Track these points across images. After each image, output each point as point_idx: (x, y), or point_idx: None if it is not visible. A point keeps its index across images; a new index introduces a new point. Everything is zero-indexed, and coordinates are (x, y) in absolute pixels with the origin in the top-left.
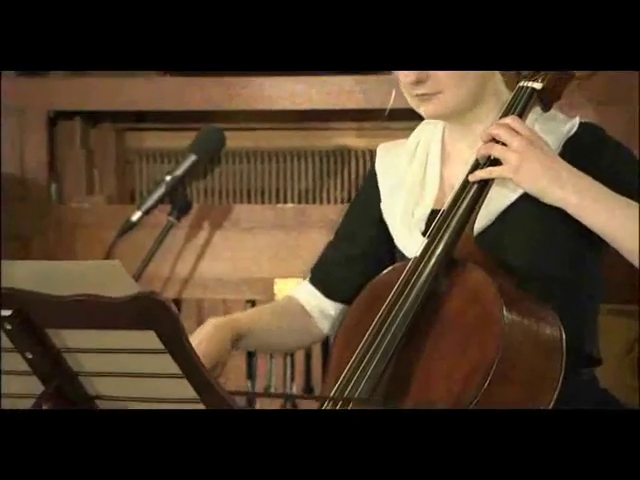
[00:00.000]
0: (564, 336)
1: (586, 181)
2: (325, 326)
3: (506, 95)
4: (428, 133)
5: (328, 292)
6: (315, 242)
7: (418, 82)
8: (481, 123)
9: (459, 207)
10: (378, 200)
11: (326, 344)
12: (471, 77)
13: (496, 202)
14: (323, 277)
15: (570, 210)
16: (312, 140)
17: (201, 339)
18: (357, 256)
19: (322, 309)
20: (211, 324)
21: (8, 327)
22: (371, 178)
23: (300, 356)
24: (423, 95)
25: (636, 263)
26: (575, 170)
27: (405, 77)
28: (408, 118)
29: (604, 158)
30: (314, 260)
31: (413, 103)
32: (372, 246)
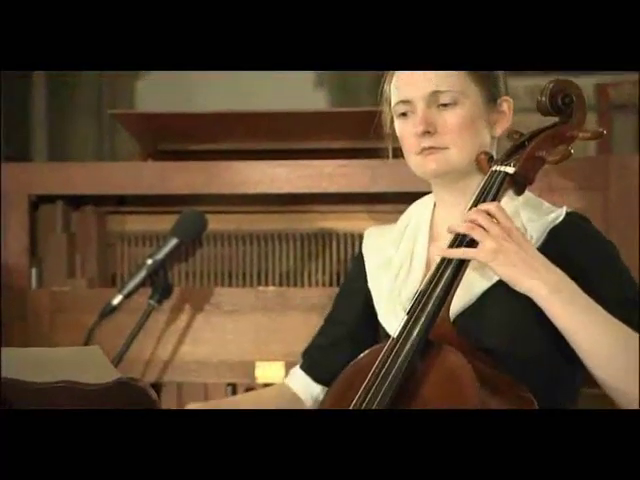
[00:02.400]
0: None
1: (558, 276)
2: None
3: None
4: (418, 215)
5: (316, 376)
6: (296, 325)
7: (425, 133)
8: (470, 197)
9: (435, 288)
10: (364, 281)
11: None
12: (473, 139)
13: (478, 283)
14: (311, 362)
15: (538, 302)
16: (294, 223)
17: None
18: (343, 339)
19: (313, 394)
20: (199, 404)
21: None
22: (358, 260)
23: None
24: (429, 149)
25: (592, 366)
26: (549, 264)
27: (414, 127)
28: (390, 201)
29: (585, 253)
30: (295, 343)
31: (415, 162)
32: (358, 328)
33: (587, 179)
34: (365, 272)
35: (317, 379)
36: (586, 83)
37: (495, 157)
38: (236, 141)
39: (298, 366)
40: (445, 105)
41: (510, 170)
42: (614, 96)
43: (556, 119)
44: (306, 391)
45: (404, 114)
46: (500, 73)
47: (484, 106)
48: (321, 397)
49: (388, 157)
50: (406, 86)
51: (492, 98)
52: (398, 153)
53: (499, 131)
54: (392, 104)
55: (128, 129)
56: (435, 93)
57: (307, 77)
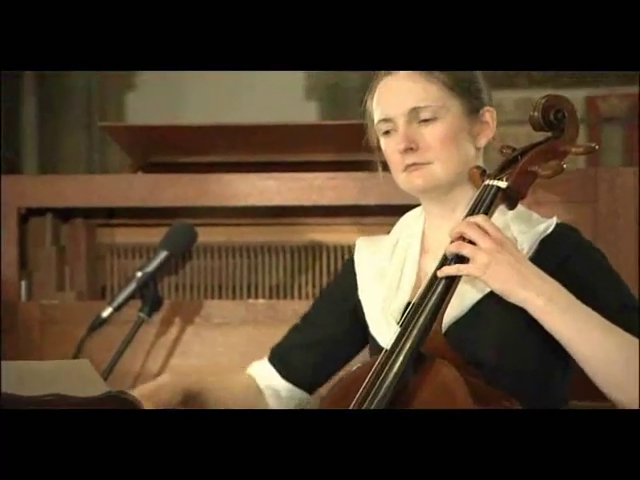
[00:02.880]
0: None
1: (553, 286)
2: (273, 405)
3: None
4: (409, 227)
5: (285, 373)
6: None
7: (407, 150)
8: (459, 209)
9: (427, 303)
10: (354, 289)
11: None
12: (457, 152)
13: (470, 294)
14: (283, 358)
15: (534, 313)
16: (283, 235)
17: (158, 386)
18: (320, 342)
19: (275, 389)
20: (168, 377)
21: None
22: (349, 268)
23: None
24: (413, 165)
25: (592, 373)
26: (543, 274)
27: (396, 145)
28: (379, 214)
29: (577, 261)
30: None
31: (402, 179)
32: (337, 334)
33: (576, 192)
34: (356, 281)
35: (286, 376)
36: (576, 96)
37: (485, 170)
38: (226, 154)
39: (266, 358)
40: (426, 121)
41: (503, 184)
42: (603, 109)
43: (549, 134)
44: (269, 385)
45: (387, 132)
46: (482, 84)
47: (466, 118)
48: (282, 393)
49: (378, 170)
50: (386, 104)
51: (474, 109)
52: (389, 167)
53: (483, 142)
54: (375, 122)
55: (118, 142)
56: (415, 109)
57: (297, 89)
